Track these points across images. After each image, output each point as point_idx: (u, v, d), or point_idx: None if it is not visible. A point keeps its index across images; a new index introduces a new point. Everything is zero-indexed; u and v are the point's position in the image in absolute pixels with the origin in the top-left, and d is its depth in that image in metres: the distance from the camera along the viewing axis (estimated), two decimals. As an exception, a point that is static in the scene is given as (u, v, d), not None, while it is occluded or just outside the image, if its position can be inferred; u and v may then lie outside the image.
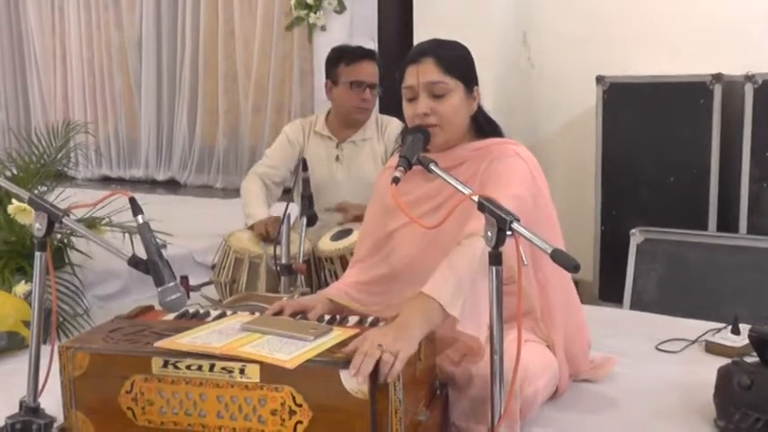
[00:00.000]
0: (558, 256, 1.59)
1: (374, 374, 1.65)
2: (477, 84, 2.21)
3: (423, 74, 2.14)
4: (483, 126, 2.25)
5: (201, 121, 7.04)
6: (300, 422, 1.71)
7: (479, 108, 2.24)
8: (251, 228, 3.35)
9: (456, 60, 2.17)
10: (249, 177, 3.59)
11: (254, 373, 1.72)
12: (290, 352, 1.75)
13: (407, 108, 2.18)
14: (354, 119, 3.53)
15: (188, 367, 1.76)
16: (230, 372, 1.73)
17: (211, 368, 1.74)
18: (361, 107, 3.48)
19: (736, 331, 2.65)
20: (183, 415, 1.78)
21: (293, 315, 2.11)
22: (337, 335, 1.88)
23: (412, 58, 2.17)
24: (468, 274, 1.84)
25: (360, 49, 3.59)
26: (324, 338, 1.85)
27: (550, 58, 4.78)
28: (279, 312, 2.11)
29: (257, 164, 3.67)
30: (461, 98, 2.16)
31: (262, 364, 1.71)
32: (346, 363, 1.67)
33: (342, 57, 3.50)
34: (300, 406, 1.71)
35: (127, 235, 3.14)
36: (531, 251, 1.94)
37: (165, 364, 1.77)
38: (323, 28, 5.62)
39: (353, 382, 1.66)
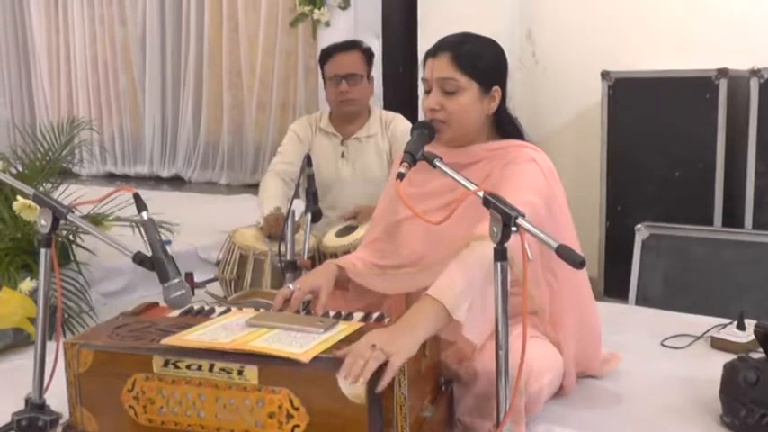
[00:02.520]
0: (564, 252, 1.59)
1: (372, 378, 1.64)
2: (499, 84, 2.17)
3: (436, 69, 2.13)
4: (505, 126, 2.22)
5: (206, 117, 7.05)
6: (298, 426, 1.70)
7: (504, 108, 2.20)
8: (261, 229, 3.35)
9: (473, 58, 2.13)
10: (268, 175, 3.57)
11: (252, 375, 1.72)
12: (301, 345, 1.74)
13: (423, 100, 2.18)
14: (342, 113, 3.53)
15: (188, 367, 1.76)
16: (229, 372, 1.73)
17: (211, 368, 1.74)
18: (339, 100, 3.47)
19: (741, 327, 2.65)
20: (183, 415, 1.78)
21: (301, 305, 2.11)
22: (344, 328, 1.88)
23: (431, 51, 2.17)
24: (476, 278, 1.83)
25: (337, 43, 3.59)
26: (332, 331, 1.85)
27: (555, 54, 4.76)
28: (287, 300, 2.11)
29: (274, 161, 3.64)
30: (474, 97, 2.13)
31: (264, 362, 1.70)
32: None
33: (323, 55, 3.55)
34: (298, 409, 1.70)
35: (136, 229, 3.13)
36: (540, 253, 1.94)
37: (166, 364, 1.77)
38: (327, 24, 5.62)
39: (350, 386, 1.65)
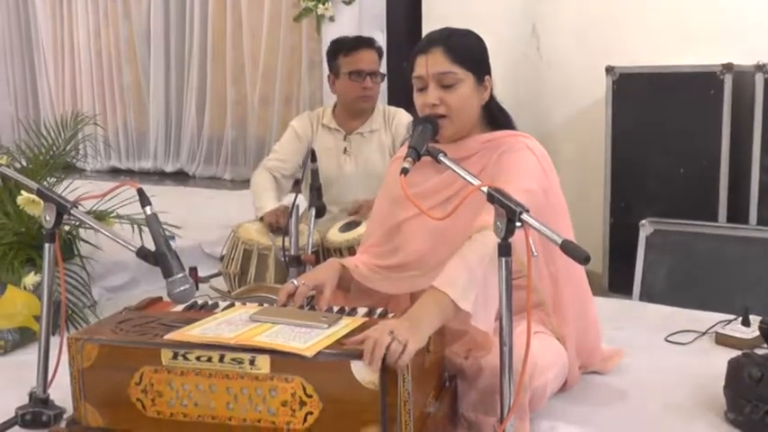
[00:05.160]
0: (569, 248, 1.58)
1: (385, 365, 1.65)
2: (488, 73, 2.19)
3: (432, 64, 2.12)
4: (496, 116, 2.23)
5: (210, 112, 7.05)
6: (311, 413, 1.71)
7: (492, 98, 2.22)
8: (261, 220, 3.35)
9: (466, 50, 2.15)
10: (258, 171, 3.59)
11: (264, 364, 1.72)
12: (305, 340, 1.74)
13: (417, 98, 2.17)
14: (360, 108, 3.53)
15: (198, 358, 1.76)
16: (240, 363, 1.73)
17: (221, 359, 1.74)
18: (363, 96, 3.48)
19: (746, 323, 2.64)
20: (193, 406, 1.78)
21: (305, 300, 2.11)
22: (348, 323, 1.88)
23: (421, 48, 2.16)
24: (479, 268, 1.83)
25: (357, 38, 3.59)
26: (336, 326, 1.85)
27: (560, 49, 4.75)
28: (291, 295, 2.10)
29: (266, 158, 3.67)
30: (471, 88, 2.14)
31: (274, 353, 1.71)
32: (357, 354, 1.66)
33: (340, 48, 3.51)
34: (311, 397, 1.70)
35: (136, 227, 3.13)
36: (542, 245, 1.93)
37: (175, 356, 1.77)
38: (331, 19, 5.62)
39: (364, 372, 1.65)
